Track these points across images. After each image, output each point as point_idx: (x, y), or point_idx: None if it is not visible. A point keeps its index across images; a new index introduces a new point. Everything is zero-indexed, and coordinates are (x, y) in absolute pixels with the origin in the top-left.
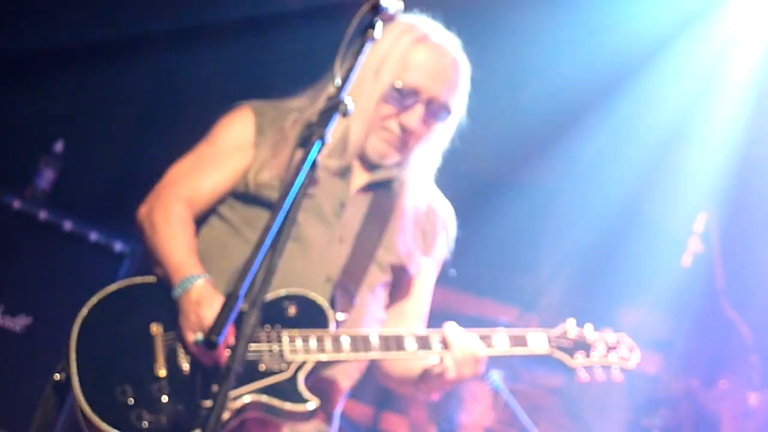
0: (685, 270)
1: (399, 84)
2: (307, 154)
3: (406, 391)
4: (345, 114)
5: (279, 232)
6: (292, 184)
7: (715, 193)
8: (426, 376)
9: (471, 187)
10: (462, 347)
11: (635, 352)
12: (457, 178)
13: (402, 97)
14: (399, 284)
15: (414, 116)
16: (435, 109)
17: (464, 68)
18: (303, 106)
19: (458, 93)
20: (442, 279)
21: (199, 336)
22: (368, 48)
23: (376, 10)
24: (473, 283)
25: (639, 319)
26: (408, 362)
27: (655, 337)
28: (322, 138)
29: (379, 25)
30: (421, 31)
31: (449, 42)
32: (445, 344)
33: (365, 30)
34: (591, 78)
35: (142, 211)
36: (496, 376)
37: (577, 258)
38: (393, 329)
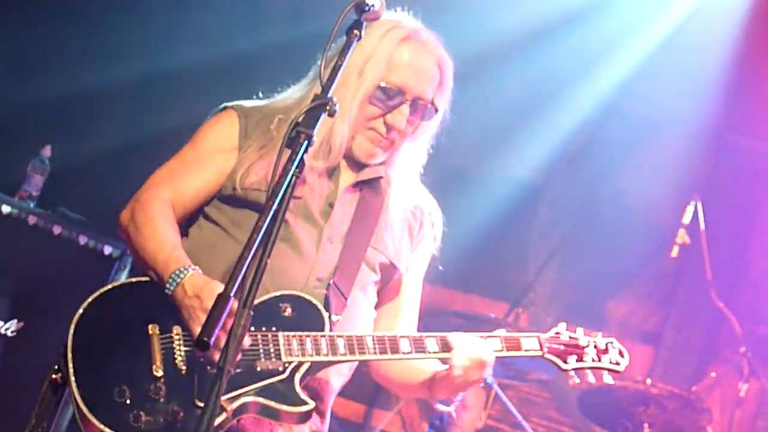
0: (673, 262)
1: (384, 84)
2: (294, 153)
3: (418, 395)
4: (331, 114)
5: (268, 232)
6: (279, 183)
7: (702, 184)
8: (435, 381)
9: (458, 181)
10: (468, 354)
11: (625, 356)
12: (444, 173)
13: (387, 96)
14: (389, 283)
15: (400, 116)
16: (420, 108)
17: (448, 66)
18: (288, 107)
19: (443, 91)
20: (430, 275)
21: None
22: (353, 48)
23: (361, 9)
24: (461, 279)
25: (628, 312)
26: (408, 367)
27: (644, 330)
28: (308, 138)
29: (364, 24)
30: (405, 29)
31: (433, 40)
32: (447, 348)
33: (350, 30)
34: (572, 68)
35: (124, 215)
36: (489, 372)
37: (565, 252)
38: (388, 332)
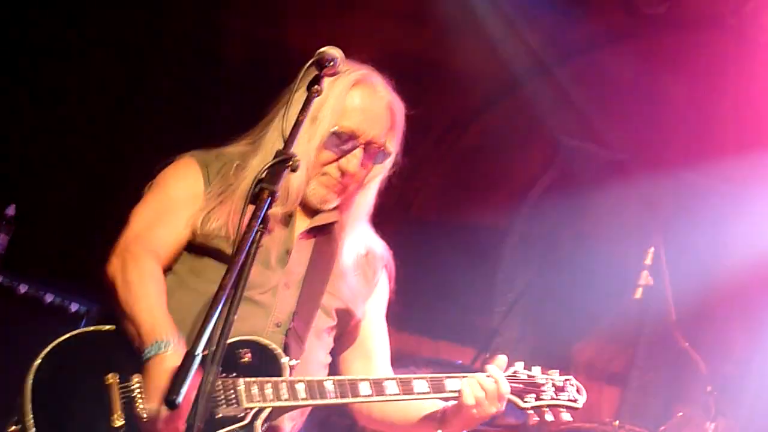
0: (637, 303)
1: (337, 129)
2: (258, 209)
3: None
4: (294, 169)
5: (234, 288)
6: (244, 240)
7: (664, 224)
8: (447, 416)
9: (423, 230)
10: (482, 386)
11: (582, 393)
12: (408, 221)
13: (341, 141)
14: (346, 328)
15: (354, 160)
16: (373, 152)
17: (400, 109)
18: (245, 153)
19: (395, 134)
20: (398, 323)
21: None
22: (314, 103)
23: (322, 65)
24: (429, 326)
25: (594, 354)
26: (403, 407)
27: (611, 371)
28: (272, 194)
29: (324, 80)
30: (356, 74)
31: (384, 84)
32: (441, 389)
33: (311, 85)
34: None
35: (114, 264)
36: None
37: (530, 296)
38: (347, 376)
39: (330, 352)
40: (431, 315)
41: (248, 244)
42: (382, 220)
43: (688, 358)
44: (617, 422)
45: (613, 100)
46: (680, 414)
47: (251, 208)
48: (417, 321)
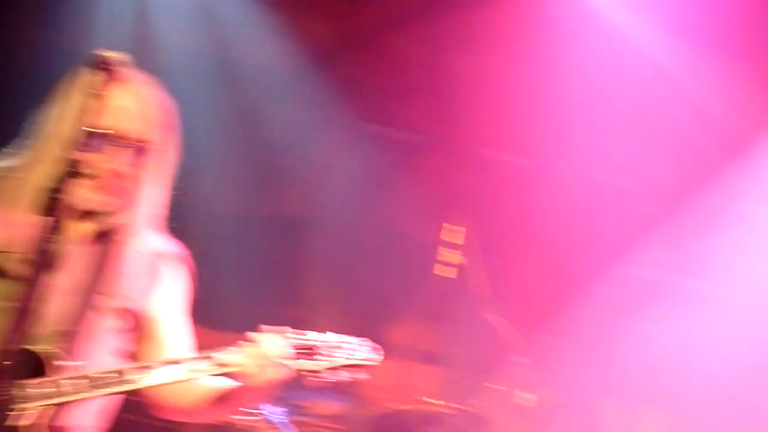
0: (447, 281)
1: (99, 129)
2: (51, 221)
3: (215, 414)
4: (80, 176)
5: (28, 300)
6: (37, 250)
7: (464, 201)
8: (235, 392)
9: (226, 225)
10: (265, 352)
11: (379, 352)
12: (211, 219)
13: (104, 141)
14: (137, 329)
15: (119, 159)
16: (140, 149)
17: (165, 105)
18: (21, 165)
19: (163, 130)
20: (206, 321)
21: None
22: (92, 106)
23: (97, 67)
24: (242, 321)
25: (408, 334)
26: (196, 392)
27: (425, 350)
28: (62, 203)
29: (101, 82)
30: (115, 73)
31: (147, 81)
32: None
33: (86, 87)
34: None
35: None
36: (279, 412)
37: (340, 284)
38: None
39: (129, 356)
40: (241, 310)
41: (38, 256)
42: (184, 219)
43: (501, 331)
44: (436, 400)
45: (408, 83)
46: (497, 387)
47: (35, 219)
48: (226, 317)
